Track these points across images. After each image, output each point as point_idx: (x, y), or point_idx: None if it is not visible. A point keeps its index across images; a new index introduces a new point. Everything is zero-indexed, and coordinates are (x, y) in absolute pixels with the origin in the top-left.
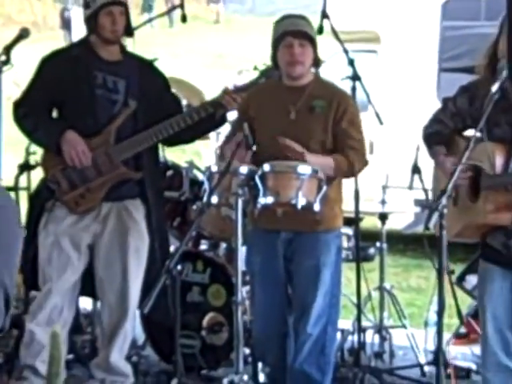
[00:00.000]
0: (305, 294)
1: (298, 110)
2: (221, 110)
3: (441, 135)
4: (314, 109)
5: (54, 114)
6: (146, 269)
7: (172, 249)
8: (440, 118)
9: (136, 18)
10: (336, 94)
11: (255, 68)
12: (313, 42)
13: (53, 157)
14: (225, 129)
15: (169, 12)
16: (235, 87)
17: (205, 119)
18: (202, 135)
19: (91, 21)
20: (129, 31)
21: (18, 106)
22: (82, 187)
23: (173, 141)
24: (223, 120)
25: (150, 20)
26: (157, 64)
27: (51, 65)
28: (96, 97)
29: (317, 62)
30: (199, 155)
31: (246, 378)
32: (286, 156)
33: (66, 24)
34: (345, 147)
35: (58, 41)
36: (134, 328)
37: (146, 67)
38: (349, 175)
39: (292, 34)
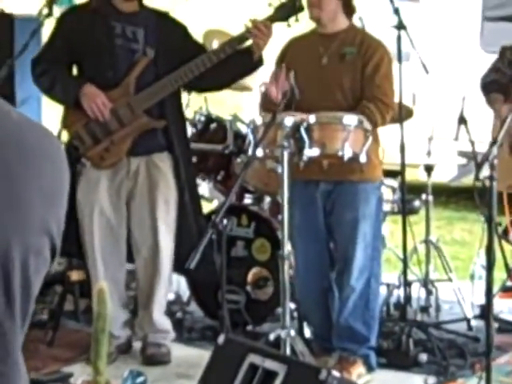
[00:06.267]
0: (346, 247)
1: (330, 56)
2: (258, 52)
3: (498, 84)
4: (344, 56)
5: (74, 71)
6: (177, 223)
7: (216, 203)
8: (497, 67)
9: None
10: (366, 40)
11: (269, 4)
12: None
13: (73, 113)
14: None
15: None
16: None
17: (241, 61)
18: (239, 77)
19: None
20: None
21: (37, 63)
22: (106, 140)
23: (206, 86)
24: (261, 61)
25: None
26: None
27: (70, 18)
28: (116, 47)
29: (349, 11)
30: (240, 109)
31: (292, 332)
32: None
33: None
34: (370, 96)
35: None
36: (171, 282)
37: (163, 17)
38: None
39: None
